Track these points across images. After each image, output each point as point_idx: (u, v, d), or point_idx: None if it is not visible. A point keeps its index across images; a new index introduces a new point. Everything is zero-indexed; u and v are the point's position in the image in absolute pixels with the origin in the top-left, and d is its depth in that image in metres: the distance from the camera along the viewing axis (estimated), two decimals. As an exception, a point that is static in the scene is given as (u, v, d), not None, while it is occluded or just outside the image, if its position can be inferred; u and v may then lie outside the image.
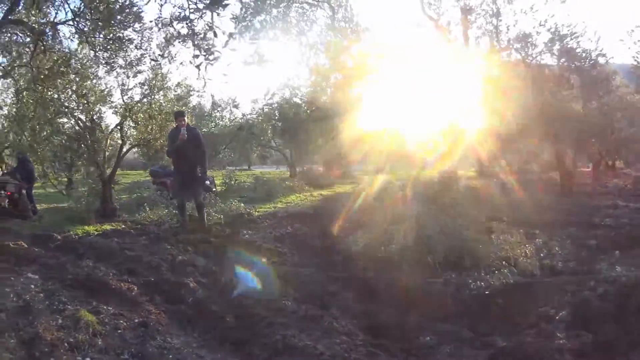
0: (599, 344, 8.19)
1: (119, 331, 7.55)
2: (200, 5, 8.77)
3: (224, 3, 8.51)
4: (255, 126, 36.98)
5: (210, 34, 9.54)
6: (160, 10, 9.23)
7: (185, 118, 15.87)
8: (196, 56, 9.00)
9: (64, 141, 20.29)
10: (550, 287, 10.93)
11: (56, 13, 12.46)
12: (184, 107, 21.36)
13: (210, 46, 9.21)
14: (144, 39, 14.91)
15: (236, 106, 39.21)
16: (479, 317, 9.45)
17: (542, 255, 13.00)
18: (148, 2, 9.26)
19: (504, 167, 37.75)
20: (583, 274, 11.84)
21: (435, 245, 11.87)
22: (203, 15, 8.89)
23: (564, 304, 9.74)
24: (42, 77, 14.15)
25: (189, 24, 9.24)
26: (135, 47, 15.13)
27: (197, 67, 9.23)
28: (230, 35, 8.76)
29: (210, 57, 9.13)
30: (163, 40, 14.03)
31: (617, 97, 31.01)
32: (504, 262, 11.38)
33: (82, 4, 11.64)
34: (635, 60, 18.06)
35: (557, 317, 9.22)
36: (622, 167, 53.72)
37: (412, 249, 12.30)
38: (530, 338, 8.26)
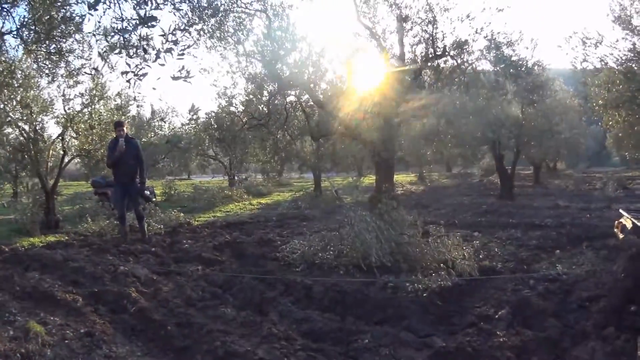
0: (541, 341, 8.17)
1: (67, 341, 7.52)
2: (132, 22, 8.55)
3: (153, 22, 8.32)
4: (183, 139, 36.88)
5: (140, 50, 9.36)
6: (99, 21, 9.12)
7: (125, 128, 15.56)
8: (125, 72, 8.81)
9: (8, 153, 19.98)
10: (489, 287, 11.02)
11: (3, 23, 12.12)
12: (123, 117, 20.95)
13: (141, 61, 8.99)
14: (84, 48, 14.74)
15: (175, 115, 39.05)
16: (418, 319, 9.38)
17: (481, 256, 13.14)
18: (85, 17, 9.03)
19: (443, 172, 37.88)
20: (522, 273, 11.92)
21: (371, 250, 11.81)
22: (136, 30, 8.68)
23: (504, 303, 9.78)
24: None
25: (123, 37, 9.02)
26: (76, 57, 14.86)
27: (127, 81, 9.04)
28: (158, 52, 8.55)
29: (140, 73, 8.92)
30: (102, 50, 13.86)
31: (556, 101, 31.62)
32: (441, 265, 11.40)
33: (28, 15, 11.40)
34: (573, 65, 18.22)
35: (496, 316, 9.22)
36: (564, 168, 54.59)
37: (349, 254, 12.36)
38: (469, 337, 8.20)
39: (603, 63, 17.89)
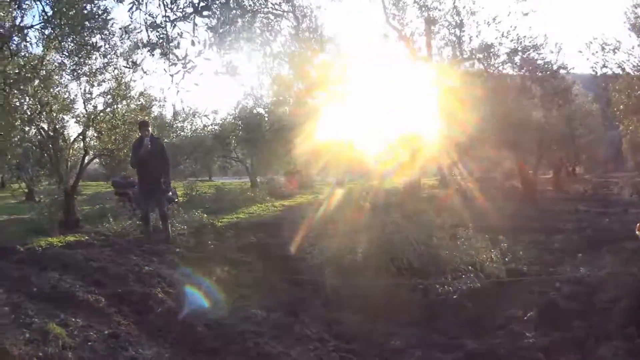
0: (568, 341, 8.44)
1: (90, 343, 7.26)
2: (189, 10, 8.79)
3: (206, 11, 8.59)
4: (208, 144, 36.95)
5: (183, 43, 9.56)
6: (131, 17, 9.20)
7: (149, 128, 15.68)
8: (174, 64, 9.02)
9: (32, 149, 20.09)
10: (517, 289, 11.22)
11: (22, 16, 12.29)
12: (146, 117, 21.07)
13: (185, 55, 9.21)
14: (110, 47, 14.91)
15: (201, 116, 38.75)
16: (448, 321, 9.65)
17: (507, 259, 13.23)
18: (131, 6, 9.21)
19: (466, 176, 37.98)
20: (548, 275, 12.14)
21: (401, 252, 12.00)
22: (176, 24, 8.92)
23: (531, 305, 9.95)
24: (10, 82, 13.99)
25: (161, 32, 9.24)
26: (101, 55, 15.06)
27: (172, 75, 9.22)
28: (205, 44, 8.78)
29: (188, 66, 9.14)
30: (127, 49, 14.05)
31: (576, 105, 31.75)
32: (470, 267, 11.59)
33: (52, 9, 11.55)
34: (594, 70, 18.39)
35: (525, 318, 9.44)
36: (582, 173, 54.41)
37: (378, 257, 12.41)
38: (499, 339, 8.47)
39: (621, 69, 18.06)
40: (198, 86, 9.77)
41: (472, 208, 24.34)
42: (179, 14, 8.94)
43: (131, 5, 8.66)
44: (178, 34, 9.32)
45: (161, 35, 9.44)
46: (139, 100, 21.18)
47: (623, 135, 30.45)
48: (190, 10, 8.85)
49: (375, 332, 8.90)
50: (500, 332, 8.80)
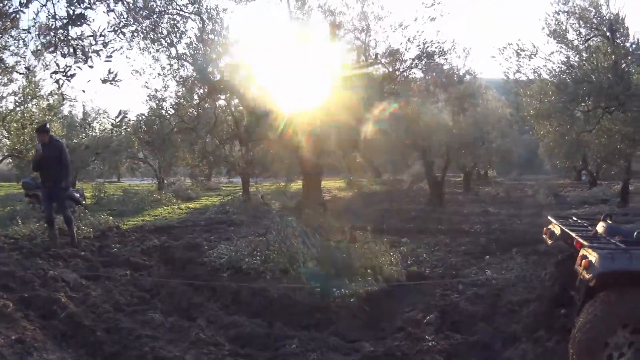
0: (471, 344, 8.33)
1: None
2: (64, 21, 8.37)
3: (82, 20, 8.16)
4: (112, 142, 36.39)
5: (69, 50, 9.17)
6: (35, 18, 8.83)
7: (47, 133, 15.05)
8: (55, 72, 8.63)
9: None
10: (418, 292, 11.12)
11: None
12: (55, 117, 20.56)
13: (73, 61, 8.81)
14: (20, 45, 14.54)
15: (108, 117, 38.20)
16: (346, 324, 9.50)
17: (409, 262, 13.27)
18: (17, 13, 8.81)
19: (373, 178, 37.89)
20: (451, 278, 12.06)
21: (298, 255, 11.83)
22: (65, 29, 8.51)
23: (432, 308, 9.86)
24: None
25: (54, 35, 8.83)
26: (11, 54, 14.62)
27: (56, 82, 8.87)
28: (85, 53, 8.38)
29: (68, 74, 8.74)
30: (36, 48, 13.65)
31: (488, 110, 32.28)
32: (368, 270, 11.34)
33: None
34: (506, 75, 18.57)
35: (425, 321, 9.31)
36: (495, 175, 55.35)
37: (276, 260, 12.24)
38: (398, 342, 8.27)
39: (536, 74, 18.21)
40: (85, 92, 9.49)
41: (378, 210, 24.64)
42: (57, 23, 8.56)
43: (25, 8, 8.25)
44: (73, 37, 8.94)
45: (55, 37, 9.05)
46: (48, 100, 20.61)
47: (539, 139, 30.76)
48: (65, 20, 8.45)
49: (272, 336, 8.65)
50: (398, 335, 8.62)
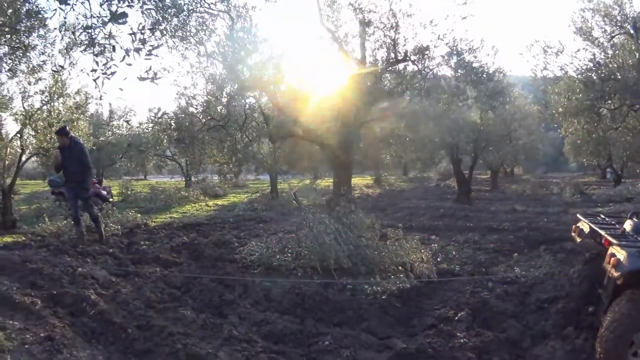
0: (501, 341, 8.40)
1: (26, 346, 7.08)
2: (105, 19, 8.50)
3: (123, 19, 8.28)
4: (144, 142, 36.54)
5: (109, 48, 9.29)
6: (65, 17, 8.92)
7: (67, 136, 15.09)
8: (94, 70, 8.73)
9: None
10: (448, 289, 11.19)
11: None
12: (81, 115, 20.64)
13: (107, 59, 8.93)
14: (47, 45, 14.65)
15: (134, 114, 38.31)
16: (377, 321, 9.50)
17: (439, 259, 13.35)
18: (55, 12, 8.92)
19: (400, 175, 37.70)
20: (481, 275, 12.13)
21: (330, 252, 11.88)
22: (104, 26, 8.63)
23: (463, 305, 9.94)
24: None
25: (90, 34, 8.95)
26: (39, 53, 14.77)
27: (95, 80, 8.97)
28: (127, 51, 8.49)
29: (108, 72, 8.86)
30: (64, 47, 13.77)
31: (515, 107, 31.93)
32: (399, 267, 11.50)
33: None
34: (534, 72, 18.50)
35: (456, 318, 9.38)
36: (521, 173, 55.18)
37: (307, 257, 12.38)
38: (429, 339, 8.35)
39: (563, 72, 18.15)
40: (122, 91, 9.55)
41: (406, 207, 24.88)
42: (93, 21, 8.69)
43: (65, 5, 8.35)
44: (106, 38, 9.08)
45: (93, 35, 9.17)
46: (75, 99, 20.70)
47: (564, 137, 30.67)
48: (104, 19, 8.57)
49: (304, 333, 8.71)
50: (430, 332, 8.70)
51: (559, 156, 52.04)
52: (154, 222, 20.57)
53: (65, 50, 14.05)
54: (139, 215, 20.28)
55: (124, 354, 7.67)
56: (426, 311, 10.02)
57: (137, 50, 8.70)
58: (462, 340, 8.21)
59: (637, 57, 15.87)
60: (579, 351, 7.72)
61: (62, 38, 11.88)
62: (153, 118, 35.59)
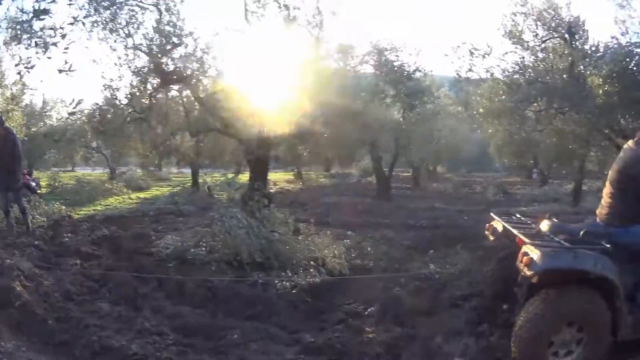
0: (412, 337, 8.41)
1: None
2: (30, 15, 8.46)
3: (45, 15, 8.26)
4: (67, 131, 36.35)
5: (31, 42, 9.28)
6: (7, 11, 8.93)
7: (2, 125, 14.91)
8: (17, 64, 8.70)
9: None
10: (360, 285, 11.18)
11: None
12: (16, 106, 20.47)
13: (37, 52, 8.93)
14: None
15: (66, 105, 38.12)
16: (287, 316, 9.54)
17: (353, 255, 13.34)
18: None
19: (322, 171, 37.84)
20: (394, 272, 12.17)
21: (242, 247, 11.83)
22: (30, 22, 8.61)
23: (374, 301, 9.95)
24: None
25: (20, 29, 8.94)
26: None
27: (18, 73, 8.95)
28: (46, 45, 8.48)
29: (29, 65, 8.84)
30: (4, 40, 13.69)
31: (439, 107, 32.42)
32: (312, 262, 11.55)
33: None
34: (458, 74, 18.60)
35: (366, 313, 9.45)
36: (444, 172, 55.93)
37: (221, 251, 12.38)
38: (338, 333, 8.37)
39: (489, 73, 18.22)
40: (42, 82, 9.60)
41: (325, 203, 25.18)
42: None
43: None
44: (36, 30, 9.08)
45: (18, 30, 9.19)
46: (11, 90, 20.44)
47: (489, 137, 31.03)
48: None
49: (215, 326, 8.71)
50: (339, 327, 8.74)
51: (484, 156, 52.68)
52: (78, 214, 20.48)
53: (5, 43, 13.94)
54: (64, 207, 19.89)
55: (45, 345, 7.64)
56: (337, 306, 10.02)
57: (55, 44, 8.68)
58: (371, 336, 8.25)
59: (569, 61, 15.97)
60: (494, 348, 7.70)
61: (1, 31, 11.81)
62: (68, 108, 35.69)
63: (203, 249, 12.76)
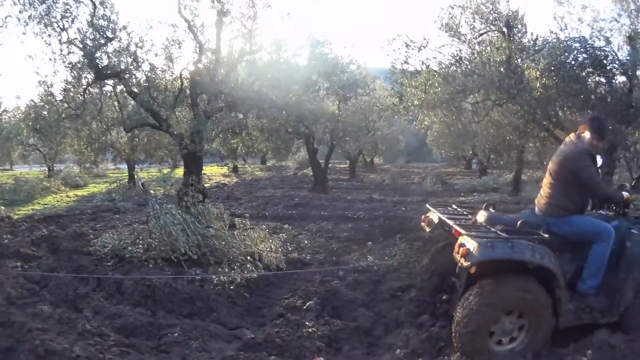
0: (352, 330, 8.47)
1: None
2: None
3: None
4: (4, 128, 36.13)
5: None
6: None
7: None
8: None
9: None
10: (298, 278, 11.29)
11: None
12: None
13: None
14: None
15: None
16: (226, 312, 9.55)
17: (290, 249, 13.42)
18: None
19: (259, 164, 37.71)
20: (332, 264, 12.23)
21: (178, 243, 11.65)
22: None
23: (312, 294, 9.99)
24: None
25: None
26: None
27: None
28: None
29: None
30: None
31: (375, 99, 32.36)
32: (248, 257, 11.53)
33: None
34: (393, 66, 18.63)
35: (304, 307, 9.43)
36: (381, 163, 56.20)
37: (158, 248, 12.15)
38: (278, 328, 8.34)
39: (425, 66, 18.27)
40: None
41: (261, 197, 25.36)
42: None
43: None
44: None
45: None
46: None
47: (425, 129, 31.18)
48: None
49: (155, 325, 8.63)
50: (278, 322, 8.71)
51: (422, 147, 52.97)
52: (17, 214, 20.04)
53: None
54: (3, 207, 20.02)
55: (-10, 352, 7.45)
56: (275, 301, 10.09)
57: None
58: (310, 330, 8.26)
59: (506, 53, 16.06)
60: (435, 339, 7.82)
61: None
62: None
63: (140, 246, 12.61)
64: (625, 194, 8.18)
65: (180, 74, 15.09)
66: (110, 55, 14.49)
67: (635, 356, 6.99)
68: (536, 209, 8.36)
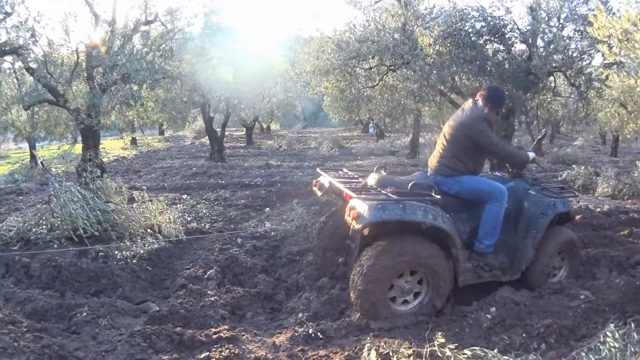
0: (254, 296, 8.65)
1: None
2: None
3: None
4: None
5: None
6: None
7: None
8: None
9: None
10: (198, 248, 11.50)
11: None
12: None
13: None
14: None
15: None
16: (131, 286, 9.56)
17: (188, 219, 13.50)
18: None
19: (157, 135, 37.43)
20: (230, 232, 12.37)
21: (79, 221, 11.48)
22: None
23: (212, 263, 10.11)
24: None
25: None
26: None
27: None
28: None
29: None
30: None
31: (271, 66, 31.95)
32: (148, 230, 11.62)
33: None
34: (287, 33, 19.02)
35: (205, 276, 9.54)
36: (278, 129, 56.27)
37: (61, 227, 11.81)
38: (181, 299, 8.45)
39: (320, 32, 18.37)
40: None
41: (159, 168, 25.43)
42: None
43: None
44: None
45: None
46: None
47: (319, 95, 31.39)
48: None
49: (64, 306, 8.52)
50: (181, 293, 8.78)
51: (319, 112, 53.21)
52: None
53: None
54: None
55: None
56: (177, 272, 10.21)
57: None
58: (213, 299, 8.39)
59: (402, 21, 16.25)
60: (337, 300, 8.04)
61: None
62: None
63: (44, 227, 12.20)
64: (531, 153, 8.57)
65: (77, 48, 14.92)
66: (8, 30, 14.26)
67: (539, 312, 7.32)
68: (429, 170, 8.66)
